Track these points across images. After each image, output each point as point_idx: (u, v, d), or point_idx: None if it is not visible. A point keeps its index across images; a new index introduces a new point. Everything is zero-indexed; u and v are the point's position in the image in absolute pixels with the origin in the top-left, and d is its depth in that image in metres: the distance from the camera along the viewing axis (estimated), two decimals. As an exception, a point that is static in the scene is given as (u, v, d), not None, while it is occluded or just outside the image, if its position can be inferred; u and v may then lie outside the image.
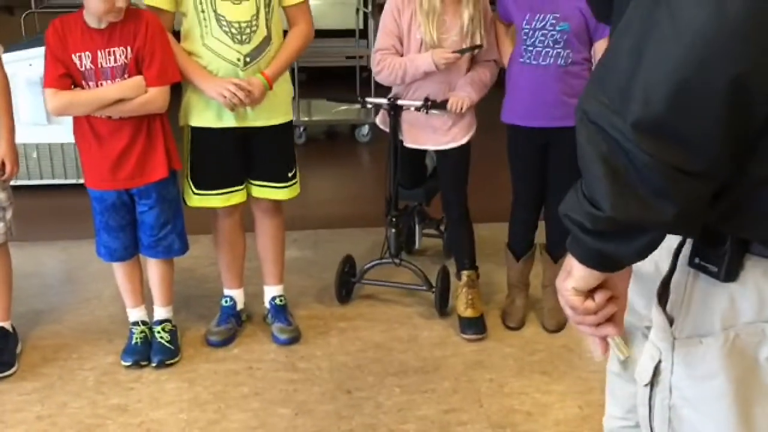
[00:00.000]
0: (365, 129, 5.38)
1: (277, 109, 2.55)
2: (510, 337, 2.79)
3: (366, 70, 5.98)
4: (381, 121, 2.93)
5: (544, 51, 2.52)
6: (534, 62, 2.54)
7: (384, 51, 2.71)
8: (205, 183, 2.55)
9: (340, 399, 2.42)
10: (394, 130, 2.80)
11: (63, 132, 4.10)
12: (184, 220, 2.60)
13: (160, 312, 2.68)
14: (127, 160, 2.39)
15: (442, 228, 3.45)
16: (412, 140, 2.82)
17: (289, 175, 2.64)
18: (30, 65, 3.97)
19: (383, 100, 2.79)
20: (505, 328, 2.84)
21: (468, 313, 2.82)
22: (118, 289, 2.67)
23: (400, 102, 2.75)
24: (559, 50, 2.51)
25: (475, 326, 2.79)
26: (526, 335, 2.80)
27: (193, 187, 2.57)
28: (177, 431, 2.27)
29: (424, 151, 3.00)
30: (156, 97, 2.35)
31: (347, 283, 3.03)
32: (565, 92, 2.56)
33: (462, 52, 2.61)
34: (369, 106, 2.84)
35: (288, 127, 2.64)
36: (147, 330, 2.65)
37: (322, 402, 2.41)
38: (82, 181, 4.26)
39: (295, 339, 2.74)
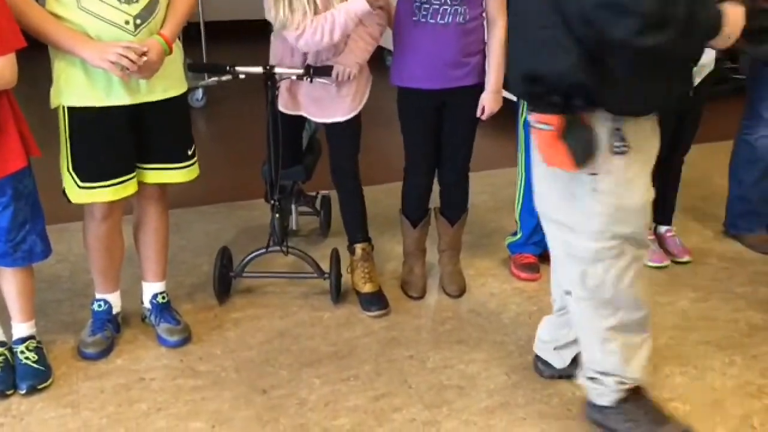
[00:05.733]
0: (199, 93, 4.95)
1: (172, 79, 2.18)
2: (416, 308, 2.69)
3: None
4: (282, 104, 2.57)
5: (441, 9, 2.37)
6: (432, 21, 2.39)
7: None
8: (92, 174, 2.13)
9: (257, 401, 2.18)
10: (273, 104, 2.52)
11: None
12: (44, 217, 2.17)
13: (21, 329, 2.24)
14: (-29, 152, 1.92)
15: (318, 205, 3.25)
16: (315, 112, 2.56)
17: (189, 153, 2.29)
18: None
19: (258, 69, 2.47)
20: (407, 299, 2.74)
21: (367, 288, 2.68)
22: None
23: (278, 70, 2.46)
24: (456, 7, 2.38)
25: (378, 301, 2.66)
26: (431, 304, 2.72)
27: (77, 180, 2.14)
28: (74, 469, 1.92)
29: (302, 125, 2.76)
30: (1, 69, 1.90)
31: (225, 278, 2.72)
32: (463, 51, 2.45)
33: None
34: (242, 76, 2.50)
35: (184, 98, 2.27)
36: (7, 352, 2.21)
37: (237, 408, 2.15)
38: None
39: (186, 339, 2.44)
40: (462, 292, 2.77)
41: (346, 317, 2.62)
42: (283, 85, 2.50)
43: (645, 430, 1.95)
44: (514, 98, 2.79)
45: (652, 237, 3.05)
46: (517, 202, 2.91)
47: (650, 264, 2.97)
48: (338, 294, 2.69)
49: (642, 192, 1.82)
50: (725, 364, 2.37)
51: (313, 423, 2.10)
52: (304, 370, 2.32)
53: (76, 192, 2.16)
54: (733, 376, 2.31)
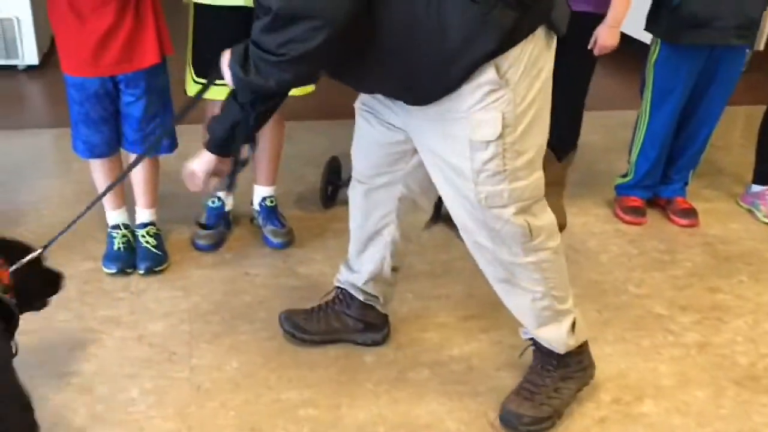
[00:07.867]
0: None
1: None
2: (513, 239, 2.71)
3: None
4: None
5: None
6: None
7: None
8: (207, 69, 2.25)
9: (352, 306, 2.29)
10: None
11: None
12: (174, 113, 2.32)
13: (144, 214, 2.43)
14: (112, 43, 2.06)
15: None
16: None
17: None
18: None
19: None
20: (506, 230, 2.75)
21: (469, 214, 2.71)
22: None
23: None
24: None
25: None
26: (529, 236, 2.73)
27: (194, 73, 2.27)
28: (182, 345, 2.10)
29: None
30: None
31: (334, 186, 2.83)
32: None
33: None
34: None
35: None
36: (129, 234, 2.41)
37: (333, 310, 2.27)
38: (11, 62, 3.90)
39: (289, 242, 2.57)
40: (562, 227, 2.73)
41: (444, 240, 2.67)
42: None
43: None
44: (639, 37, 2.70)
45: None
46: (636, 143, 2.83)
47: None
48: (439, 215, 2.74)
49: None
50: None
51: (402, 333, 2.19)
52: (399, 284, 2.38)
53: (192, 86, 2.29)
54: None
